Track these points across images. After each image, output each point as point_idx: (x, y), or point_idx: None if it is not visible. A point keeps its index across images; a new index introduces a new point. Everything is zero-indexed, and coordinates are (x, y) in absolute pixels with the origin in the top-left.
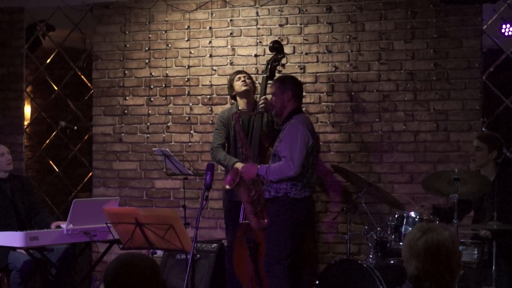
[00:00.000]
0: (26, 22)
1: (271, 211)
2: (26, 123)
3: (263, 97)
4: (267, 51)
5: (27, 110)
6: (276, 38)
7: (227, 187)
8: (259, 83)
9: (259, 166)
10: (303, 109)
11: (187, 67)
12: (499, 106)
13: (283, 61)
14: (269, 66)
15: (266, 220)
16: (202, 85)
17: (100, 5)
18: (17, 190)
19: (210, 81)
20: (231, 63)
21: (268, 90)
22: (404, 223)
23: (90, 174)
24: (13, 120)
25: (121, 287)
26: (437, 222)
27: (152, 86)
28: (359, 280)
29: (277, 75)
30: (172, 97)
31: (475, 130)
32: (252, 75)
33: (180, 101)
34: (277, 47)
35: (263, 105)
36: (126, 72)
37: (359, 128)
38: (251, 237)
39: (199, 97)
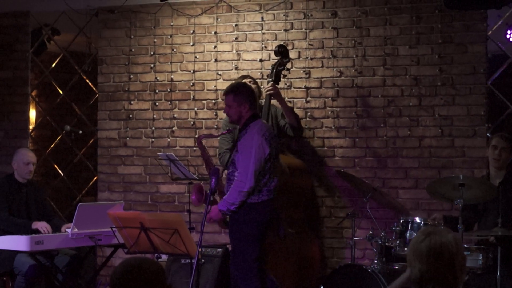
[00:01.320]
0: (31, 26)
1: (231, 219)
2: (31, 127)
3: (271, 83)
4: (272, 56)
5: (32, 114)
6: (281, 43)
7: (195, 206)
8: (263, 87)
9: (218, 205)
10: (308, 113)
11: (192, 71)
12: (504, 112)
13: (288, 65)
14: (275, 71)
15: None
16: (207, 89)
17: (105, 10)
18: (32, 195)
19: (215, 86)
20: (236, 68)
21: None
22: (409, 228)
23: (95, 178)
24: (18, 124)
25: None
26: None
27: (157, 91)
28: (364, 285)
29: (282, 79)
30: (177, 102)
31: (479, 136)
32: (257, 80)
33: (185, 105)
34: (282, 51)
35: (271, 91)
36: (131, 76)
37: (364, 133)
38: None
39: (204, 101)
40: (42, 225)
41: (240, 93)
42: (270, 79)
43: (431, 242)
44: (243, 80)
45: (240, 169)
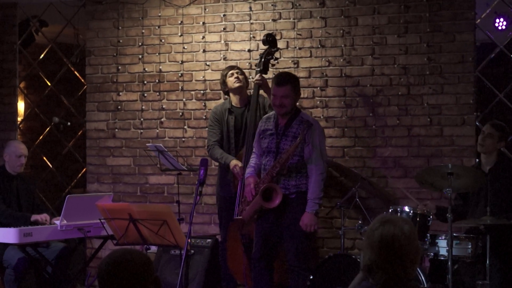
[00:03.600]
0: (19, 18)
1: (294, 208)
2: (19, 119)
3: (259, 74)
4: (261, 46)
5: (21, 106)
6: (265, 33)
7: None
8: (252, 77)
9: (308, 210)
10: (297, 103)
11: (180, 62)
12: (492, 100)
13: (277, 54)
14: (263, 60)
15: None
16: (196, 80)
17: (93, 1)
18: (23, 188)
19: (203, 76)
20: (225, 58)
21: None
22: None
23: (84, 170)
24: (7, 116)
25: (115, 283)
26: (431, 217)
27: (145, 82)
28: (354, 275)
29: (270, 69)
30: (165, 93)
31: (468, 125)
32: (245, 70)
33: (173, 96)
34: (270, 40)
35: (259, 82)
36: (120, 67)
37: (352, 122)
38: (246, 233)
39: (193, 92)
40: (42, 216)
41: (297, 82)
42: (258, 69)
43: (383, 232)
44: (230, 71)
45: (316, 160)
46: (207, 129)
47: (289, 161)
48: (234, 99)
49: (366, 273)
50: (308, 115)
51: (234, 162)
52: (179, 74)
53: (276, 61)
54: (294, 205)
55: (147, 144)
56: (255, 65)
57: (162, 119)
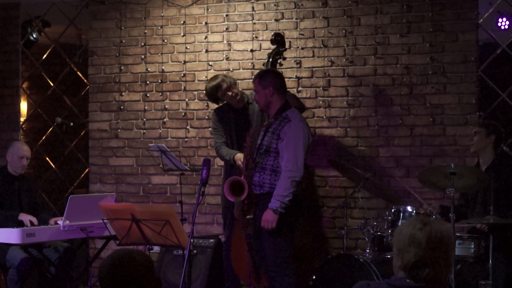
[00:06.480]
0: (21, 18)
1: (265, 207)
2: (22, 119)
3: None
4: (263, 46)
5: (23, 106)
6: (274, 32)
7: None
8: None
9: (269, 206)
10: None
11: (183, 62)
12: (495, 100)
13: (285, 54)
14: (271, 60)
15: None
16: (198, 80)
17: (95, 1)
18: (24, 189)
19: (206, 76)
20: (227, 58)
21: None
22: (401, 217)
23: (87, 170)
24: (9, 117)
25: (116, 283)
26: (433, 216)
27: (148, 82)
28: (356, 275)
29: (278, 68)
30: (168, 93)
31: (471, 124)
32: (248, 71)
33: (176, 96)
34: (279, 40)
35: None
36: (122, 67)
37: (355, 122)
38: (250, 233)
39: (195, 92)
40: (26, 218)
41: (264, 76)
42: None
43: (431, 230)
44: (222, 91)
45: (287, 158)
46: (210, 129)
47: (260, 156)
48: (232, 103)
49: (408, 271)
50: (295, 112)
51: (239, 156)
52: (182, 74)
53: (284, 60)
54: (264, 205)
55: (149, 144)
56: (263, 65)
57: (165, 119)
